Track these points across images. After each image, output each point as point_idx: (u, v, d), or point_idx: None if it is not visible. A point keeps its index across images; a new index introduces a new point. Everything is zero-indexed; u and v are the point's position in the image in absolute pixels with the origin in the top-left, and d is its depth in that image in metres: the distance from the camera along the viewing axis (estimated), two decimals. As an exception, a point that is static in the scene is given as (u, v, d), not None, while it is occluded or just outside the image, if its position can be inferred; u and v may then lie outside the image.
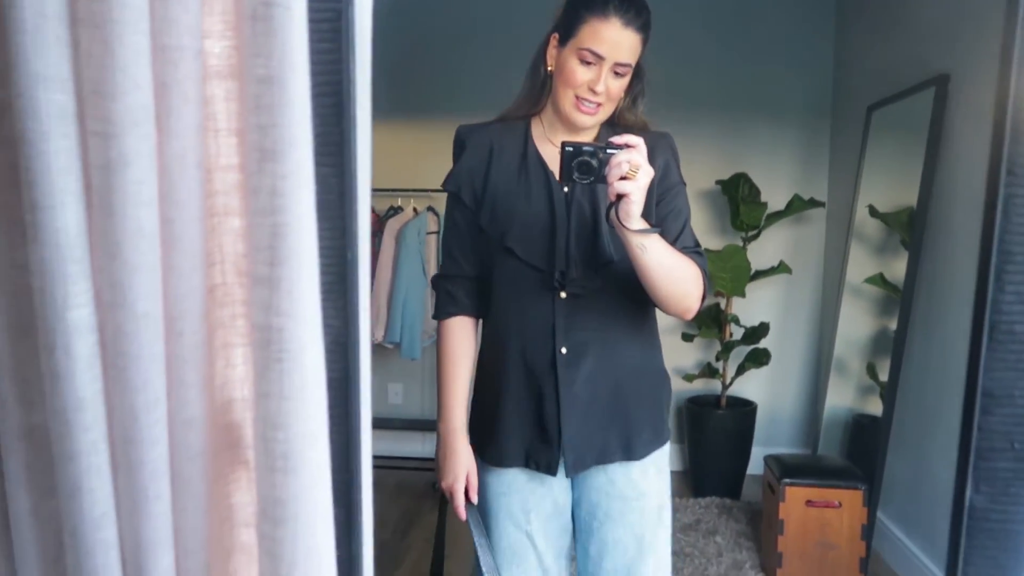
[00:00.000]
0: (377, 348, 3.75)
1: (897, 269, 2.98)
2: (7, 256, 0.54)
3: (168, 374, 0.58)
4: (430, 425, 4.10)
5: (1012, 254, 0.57)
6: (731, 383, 3.64)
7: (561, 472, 1.45)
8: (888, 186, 3.17)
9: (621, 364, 1.43)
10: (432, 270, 3.81)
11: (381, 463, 3.87)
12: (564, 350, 1.39)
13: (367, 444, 0.69)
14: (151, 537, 0.61)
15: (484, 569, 1.41)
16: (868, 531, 2.75)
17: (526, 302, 1.41)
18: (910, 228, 2.86)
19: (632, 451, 1.44)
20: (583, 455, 1.42)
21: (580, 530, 1.51)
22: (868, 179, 3.28)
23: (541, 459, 1.42)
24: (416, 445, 4.25)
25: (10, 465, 0.59)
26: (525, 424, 1.42)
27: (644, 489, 1.46)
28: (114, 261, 0.53)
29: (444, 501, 1.56)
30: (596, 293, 1.40)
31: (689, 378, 3.68)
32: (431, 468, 3.99)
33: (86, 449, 0.56)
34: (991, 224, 0.56)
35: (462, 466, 1.45)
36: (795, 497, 2.78)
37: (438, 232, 3.75)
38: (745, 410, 3.64)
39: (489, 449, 1.47)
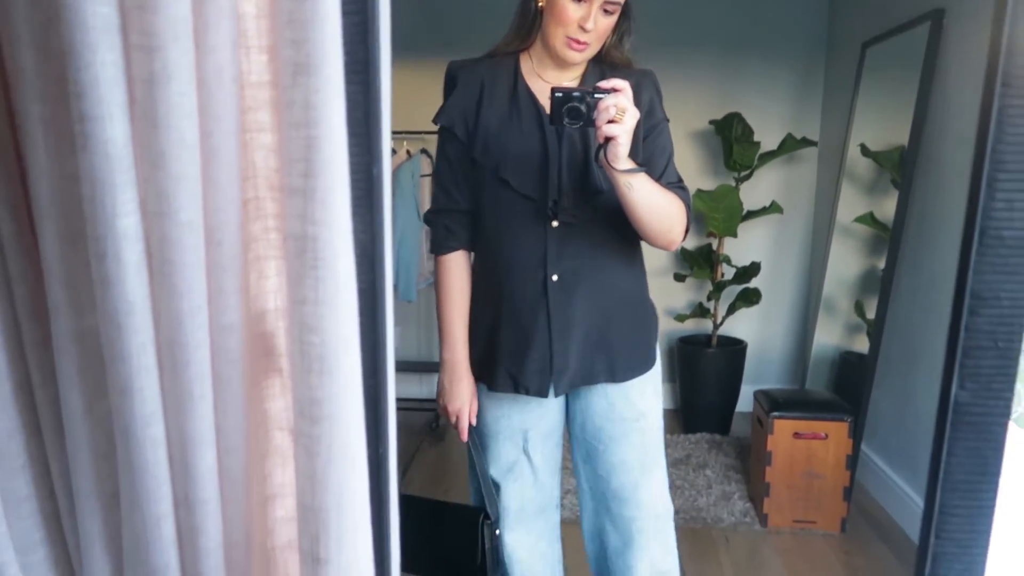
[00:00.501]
0: (373, 290, 3.78)
1: (887, 208, 3.02)
2: (57, 166, 0.57)
3: (208, 281, 0.61)
4: (428, 367, 4.17)
5: (1004, 163, 0.61)
6: (722, 322, 3.71)
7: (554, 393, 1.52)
8: (881, 125, 3.19)
9: (610, 291, 1.50)
10: (427, 213, 3.83)
11: (378, 403, 3.95)
12: (555, 277, 1.45)
13: (391, 353, 0.73)
14: (195, 435, 0.65)
15: (479, 474, 1.51)
16: (852, 461, 2.85)
17: (518, 232, 1.46)
18: (901, 167, 2.90)
19: (615, 374, 1.52)
20: (572, 377, 1.50)
21: (586, 452, 1.59)
22: (861, 118, 3.30)
23: (531, 384, 1.49)
24: (414, 387, 4.32)
25: (63, 367, 0.62)
26: (516, 350, 1.49)
27: (643, 410, 1.54)
28: (158, 171, 0.56)
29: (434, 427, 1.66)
30: (587, 223, 1.45)
31: (681, 318, 3.75)
32: (430, 408, 4.08)
33: (136, 351, 0.60)
34: (985, 134, 0.59)
35: (467, 393, 1.53)
36: (783, 429, 2.87)
37: (432, 174, 3.76)
38: (735, 349, 3.72)
39: (483, 375, 1.54)
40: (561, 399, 1.60)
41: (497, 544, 1.55)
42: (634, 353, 1.54)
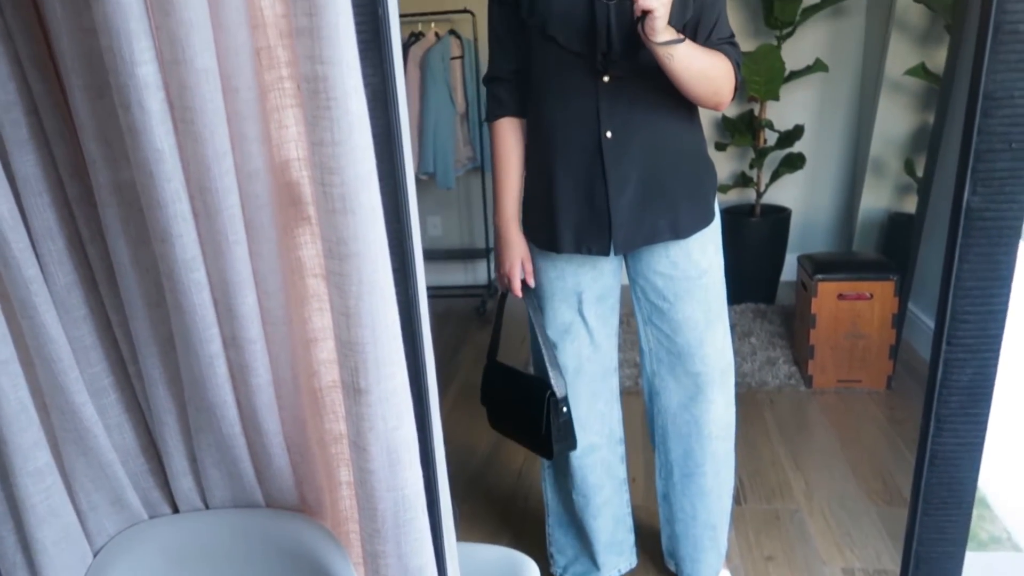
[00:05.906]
0: (412, 180, 3.80)
1: (939, 58, 2.88)
2: (75, 21, 0.59)
3: (230, 128, 0.64)
4: (471, 254, 4.23)
5: (1017, -54, 0.58)
6: (765, 190, 3.64)
7: (612, 258, 1.56)
8: (932, -34, 2.99)
9: (665, 146, 1.49)
10: (459, 97, 3.78)
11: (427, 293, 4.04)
12: (609, 134, 1.45)
13: (412, 195, 0.76)
14: (235, 279, 0.70)
15: (541, 343, 1.57)
16: (899, 320, 2.84)
17: (569, 90, 1.46)
18: (954, 8, 2.74)
19: (679, 230, 1.53)
20: (632, 235, 1.51)
21: (650, 312, 1.64)
22: (911, -40, 3.10)
23: (593, 243, 1.52)
24: (459, 274, 4.40)
25: (107, 219, 0.67)
26: (576, 210, 1.51)
27: (706, 267, 1.57)
28: (169, 18, 0.58)
29: (504, 296, 1.70)
30: (637, 76, 1.43)
31: (723, 189, 3.69)
32: (476, 294, 4.17)
33: (170, 198, 0.64)
34: (997, -85, 0.57)
35: (516, 253, 1.58)
36: (827, 292, 2.87)
37: (462, 57, 3.68)
38: (779, 217, 3.67)
39: (543, 236, 1.57)
40: (617, 262, 1.63)
41: (563, 418, 1.61)
42: (694, 207, 1.54)
